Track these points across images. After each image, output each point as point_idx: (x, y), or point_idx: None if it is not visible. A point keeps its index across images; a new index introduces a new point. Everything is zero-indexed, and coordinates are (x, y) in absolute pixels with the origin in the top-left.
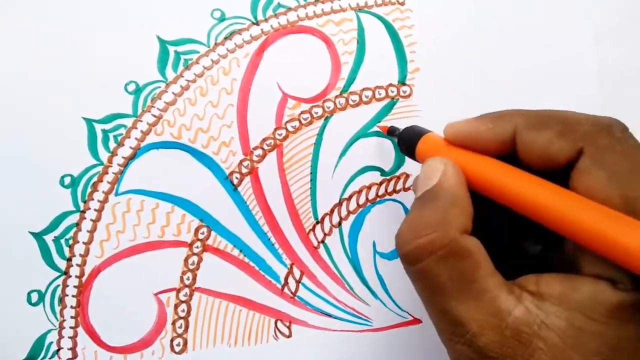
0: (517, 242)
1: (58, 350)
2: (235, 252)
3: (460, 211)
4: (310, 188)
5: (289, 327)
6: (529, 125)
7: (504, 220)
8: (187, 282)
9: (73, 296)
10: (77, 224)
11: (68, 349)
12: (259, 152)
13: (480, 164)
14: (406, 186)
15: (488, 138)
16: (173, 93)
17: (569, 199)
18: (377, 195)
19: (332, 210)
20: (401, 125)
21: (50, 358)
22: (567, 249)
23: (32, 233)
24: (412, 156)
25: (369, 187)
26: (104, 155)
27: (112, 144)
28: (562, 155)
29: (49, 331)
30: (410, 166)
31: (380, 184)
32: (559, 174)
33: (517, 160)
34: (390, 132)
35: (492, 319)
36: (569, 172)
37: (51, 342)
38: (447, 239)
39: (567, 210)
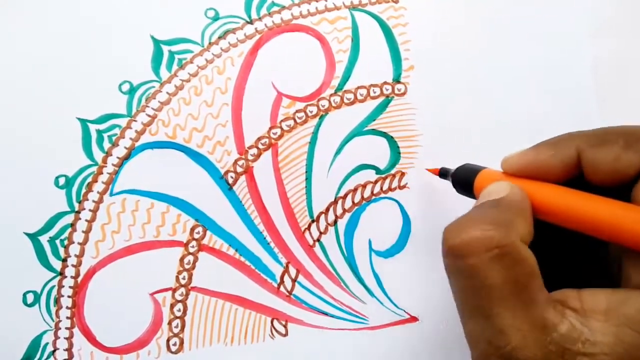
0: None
1: (54, 351)
2: (231, 252)
3: (524, 222)
4: (306, 187)
5: (285, 326)
6: (591, 144)
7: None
8: (182, 282)
9: (69, 297)
10: (72, 225)
11: (64, 350)
12: (254, 151)
13: (545, 189)
14: (401, 184)
15: (551, 165)
16: (167, 93)
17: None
18: (372, 193)
19: (327, 209)
20: (398, 125)
21: (46, 359)
22: (610, 261)
23: (27, 234)
24: (470, 194)
25: (364, 186)
26: (98, 155)
27: (106, 144)
28: (632, 168)
29: (45, 332)
30: (405, 164)
31: (376, 182)
32: (625, 188)
33: (581, 184)
34: (443, 174)
35: (537, 333)
36: (633, 186)
37: (47, 343)
38: (507, 240)
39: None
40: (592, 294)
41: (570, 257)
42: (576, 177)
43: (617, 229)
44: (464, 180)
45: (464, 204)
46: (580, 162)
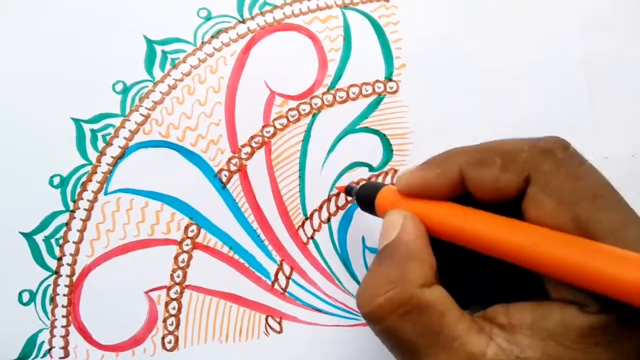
0: (487, 276)
1: (50, 349)
2: (225, 250)
3: (419, 264)
4: (299, 184)
5: (279, 323)
6: (471, 164)
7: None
8: (177, 280)
9: (64, 295)
10: (67, 224)
11: (60, 348)
12: (247, 149)
13: (436, 211)
14: (394, 181)
15: (438, 184)
16: (161, 92)
17: (525, 232)
18: None
19: (321, 207)
20: (390, 123)
21: (42, 357)
22: (533, 275)
23: (22, 233)
24: (373, 212)
25: (358, 183)
26: (92, 155)
27: (100, 144)
28: (511, 188)
29: (41, 330)
30: (398, 162)
31: (369, 179)
32: (514, 204)
33: (472, 198)
34: (348, 192)
35: None
36: (521, 201)
37: (43, 342)
38: (406, 295)
39: (525, 244)
40: (519, 309)
41: (498, 268)
42: (467, 193)
43: (500, 248)
44: (365, 198)
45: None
46: (462, 181)
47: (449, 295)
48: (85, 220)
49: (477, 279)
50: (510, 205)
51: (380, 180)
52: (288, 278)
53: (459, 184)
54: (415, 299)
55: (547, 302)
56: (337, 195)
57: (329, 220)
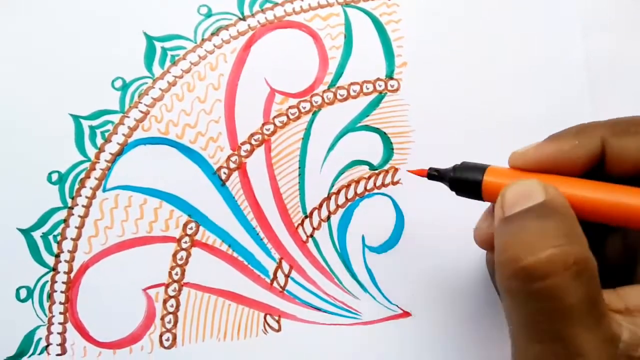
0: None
1: (47, 346)
2: (224, 247)
3: (580, 228)
4: (299, 183)
5: (278, 322)
6: (616, 133)
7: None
8: (175, 277)
9: (62, 292)
10: (65, 220)
11: (57, 345)
12: (247, 147)
13: (571, 184)
14: (394, 180)
15: (576, 156)
16: (160, 89)
17: None
18: (365, 189)
19: (320, 205)
20: (391, 121)
21: (39, 354)
22: (617, 256)
23: (20, 230)
24: (476, 195)
25: (358, 181)
26: (91, 151)
27: (99, 140)
28: None
29: (38, 327)
30: (399, 160)
31: (369, 178)
32: None
33: (600, 174)
34: (433, 176)
35: (609, 348)
36: None
37: (40, 338)
38: (583, 254)
39: None
40: (631, 293)
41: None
42: (594, 169)
43: None
44: (467, 180)
45: (459, 201)
46: (603, 153)
47: None
48: (84, 217)
49: None
50: (636, 182)
51: (380, 178)
52: (287, 276)
53: (598, 155)
54: (591, 261)
55: None
56: (337, 193)
57: (328, 218)
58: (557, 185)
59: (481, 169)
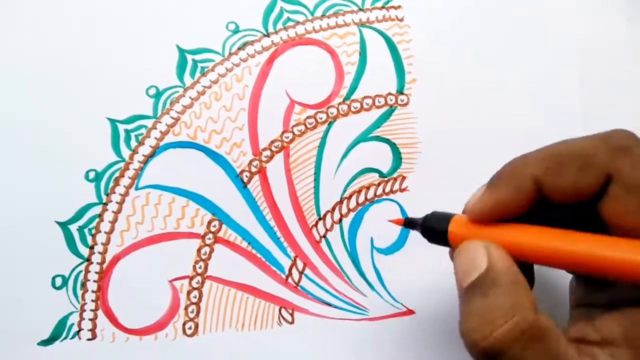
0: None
1: (79, 331)
2: (244, 244)
3: (525, 289)
4: (314, 187)
5: (291, 315)
6: (548, 172)
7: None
8: (199, 271)
9: (94, 281)
10: (100, 215)
11: (88, 330)
12: (268, 153)
13: (513, 234)
14: (402, 187)
15: (514, 201)
16: (190, 97)
17: (609, 244)
18: (375, 195)
19: (333, 208)
20: (400, 132)
21: (71, 338)
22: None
23: (58, 222)
24: (443, 243)
25: (368, 187)
26: (125, 152)
27: (133, 143)
28: (591, 188)
29: (71, 313)
30: (406, 169)
31: (379, 184)
32: (589, 203)
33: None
34: (409, 225)
35: None
36: (598, 199)
37: (72, 324)
38: (527, 322)
39: (607, 255)
40: (605, 322)
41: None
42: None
43: (593, 265)
44: (435, 230)
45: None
46: (539, 189)
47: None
48: (117, 213)
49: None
50: (584, 205)
51: (389, 185)
52: (301, 273)
53: (534, 195)
54: (537, 325)
55: (630, 308)
56: (349, 198)
57: (340, 221)
58: (497, 238)
59: (448, 218)
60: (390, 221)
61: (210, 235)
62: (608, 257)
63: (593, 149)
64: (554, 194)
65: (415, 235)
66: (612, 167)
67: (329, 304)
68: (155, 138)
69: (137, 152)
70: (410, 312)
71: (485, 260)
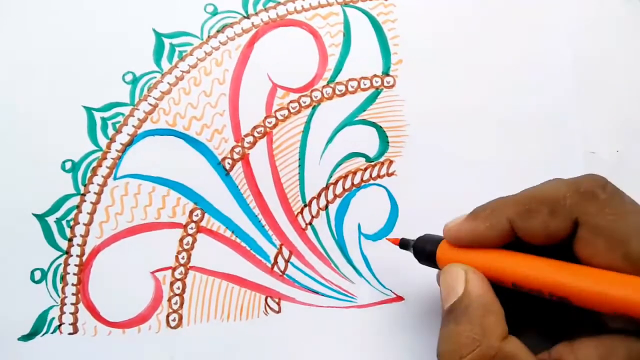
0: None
1: (60, 325)
2: (228, 233)
3: (495, 317)
4: (299, 173)
5: (278, 304)
6: (520, 215)
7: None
8: (182, 261)
9: (74, 274)
10: (78, 206)
11: (69, 324)
12: (250, 139)
13: (492, 260)
14: (389, 171)
15: (489, 235)
16: (168, 83)
17: (579, 274)
18: (362, 180)
19: (319, 194)
20: (387, 115)
21: (52, 333)
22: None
23: (35, 215)
24: (432, 264)
25: (355, 172)
26: (103, 141)
27: (110, 131)
28: (560, 232)
29: (51, 307)
30: (393, 153)
31: (365, 169)
32: (565, 243)
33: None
34: (403, 246)
35: None
36: (572, 241)
37: (53, 318)
38: (492, 351)
39: (582, 285)
40: (583, 347)
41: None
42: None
43: (560, 290)
44: (426, 251)
45: (448, 194)
46: (514, 230)
47: (521, 343)
48: (95, 204)
49: (528, 314)
50: (560, 245)
51: (376, 170)
52: (287, 261)
53: (508, 233)
54: (501, 353)
55: (609, 336)
56: (335, 184)
57: (326, 207)
58: (476, 262)
59: (437, 241)
60: (387, 239)
61: (193, 225)
62: (580, 288)
63: (563, 194)
64: (526, 236)
65: (403, 220)
66: (579, 212)
67: (317, 292)
68: (133, 126)
69: (115, 141)
70: (399, 298)
71: (463, 285)
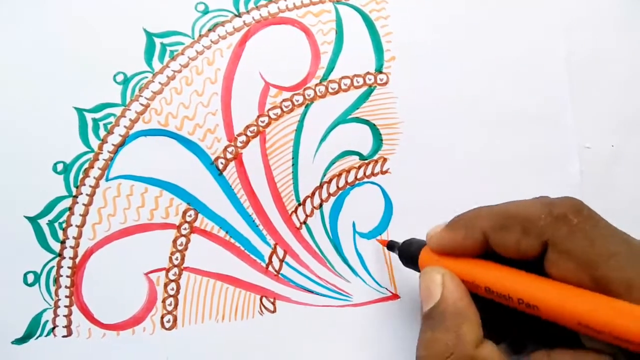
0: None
1: (53, 328)
2: (222, 234)
3: (470, 324)
4: (292, 172)
5: (273, 303)
6: (494, 229)
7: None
8: (176, 262)
9: (67, 277)
10: (70, 208)
11: (63, 327)
12: (243, 138)
13: (467, 269)
14: (383, 169)
15: (465, 244)
16: (160, 83)
17: (547, 289)
18: (356, 178)
19: (313, 193)
20: (380, 113)
21: (46, 335)
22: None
23: (27, 217)
24: (415, 267)
25: (348, 171)
26: (94, 142)
27: (102, 132)
28: (531, 251)
29: (45, 310)
30: (387, 151)
31: (359, 167)
32: (537, 260)
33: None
34: (390, 247)
35: None
36: (543, 260)
37: (47, 321)
38: (467, 356)
39: (547, 299)
40: (559, 357)
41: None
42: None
43: (533, 304)
44: (409, 254)
45: (442, 192)
46: (487, 241)
47: (498, 349)
48: (88, 205)
49: (507, 324)
50: (535, 260)
51: (370, 168)
52: (281, 261)
53: (483, 244)
54: (477, 358)
55: (584, 351)
56: (329, 182)
57: (321, 206)
58: (455, 269)
59: (421, 246)
60: (377, 240)
61: (186, 226)
62: (545, 298)
63: (538, 215)
64: (498, 249)
65: (398, 218)
66: (550, 234)
67: (312, 291)
68: (125, 126)
69: (107, 142)
70: (395, 296)
71: (440, 290)
